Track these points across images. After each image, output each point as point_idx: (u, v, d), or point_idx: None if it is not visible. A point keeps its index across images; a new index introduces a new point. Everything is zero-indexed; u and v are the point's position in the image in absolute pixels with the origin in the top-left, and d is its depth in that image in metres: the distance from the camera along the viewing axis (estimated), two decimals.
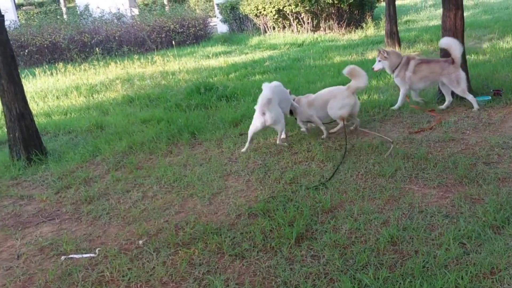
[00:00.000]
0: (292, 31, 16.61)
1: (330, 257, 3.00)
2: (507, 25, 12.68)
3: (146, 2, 29.53)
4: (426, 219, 3.36)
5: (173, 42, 16.47)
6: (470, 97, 5.88)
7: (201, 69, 11.16)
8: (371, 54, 10.90)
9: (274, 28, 17.06)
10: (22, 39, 16.06)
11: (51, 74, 12.04)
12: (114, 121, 6.92)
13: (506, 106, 5.79)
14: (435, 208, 3.50)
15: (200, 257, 3.17)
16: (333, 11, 16.09)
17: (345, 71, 5.37)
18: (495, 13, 16.55)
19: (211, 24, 20.58)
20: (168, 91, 8.45)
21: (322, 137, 5.36)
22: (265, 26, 17.32)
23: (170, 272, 3.02)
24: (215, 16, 22.21)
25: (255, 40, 16.23)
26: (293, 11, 16.02)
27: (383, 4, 17.59)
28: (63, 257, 3.35)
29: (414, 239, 3.11)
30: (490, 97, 6.07)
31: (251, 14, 17.44)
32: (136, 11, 22.92)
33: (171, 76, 10.39)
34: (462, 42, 6.20)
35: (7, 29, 5.48)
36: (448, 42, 5.93)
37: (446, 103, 6.00)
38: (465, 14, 6.37)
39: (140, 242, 3.45)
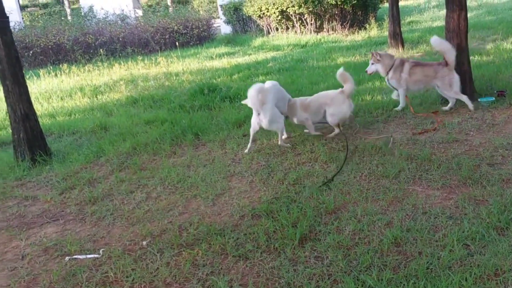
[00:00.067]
0: (296, 32, 16.62)
1: (334, 258, 3.00)
2: (510, 26, 12.64)
3: (150, 3, 29.62)
4: (430, 220, 3.35)
5: (177, 43, 16.50)
6: (464, 98, 5.90)
7: (205, 70, 11.18)
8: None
9: (277, 29, 17.07)
10: (27, 40, 16.14)
11: (56, 75, 12.09)
12: (118, 122, 6.94)
13: (510, 107, 5.78)
14: (439, 209, 3.49)
15: (203, 258, 3.18)
16: (336, 12, 16.09)
17: (338, 76, 5.40)
18: (498, 14, 16.50)
19: (214, 25, 20.63)
20: (171, 92, 8.47)
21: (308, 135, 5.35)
22: (269, 27, 17.33)
23: (174, 273, 3.03)
24: (218, 17, 22.24)
25: (258, 41, 16.24)
26: (297, 12, 16.02)
27: (386, 5, 17.60)
28: (67, 258, 3.36)
29: (418, 240, 3.10)
30: (494, 98, 6.05)
31: (254, 15, 17.46)
32: (140, 12, 22.98)
33: (174, 77, 10.41)
34: (466, 43, 6.20)
35: (12, 30, 5.51)
36: (441, 45, 5.97)
37: (450, 104, 5.99)
38: (468, 15, 6.36)
39: (144, 243, 3.46)
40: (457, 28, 6.10)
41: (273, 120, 5.09)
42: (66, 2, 28.81)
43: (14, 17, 19.29)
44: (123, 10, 20.09)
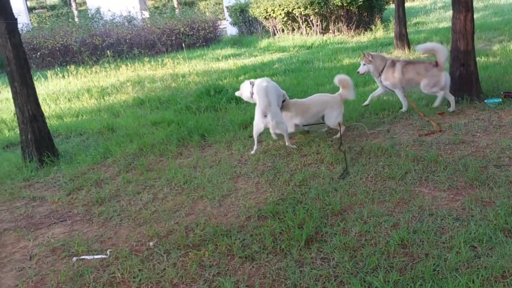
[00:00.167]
0: (301, 33, 16.63)
1: (340, 260, 3.00)
2: None
3: (156, 5, 29.72)
4: (437, 222, 3.34)
5: (183, 45, 16.56)
6: (439, 99, 6.05)
7: (211, 71, 11.20)
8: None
9: (283, 30, 17.08)
10: (35, 42, 16.27)
11: (63, 76, 12.17)
12: (125, 123, 6.98)
13: None
14: (446, 211, 3.48)
15: (210, 259, 3.19)
16: (342, 13, 16.09)
17: (339, 80, 5.54)
18: (505, 15, 16.43)
19: (220, 26, 20.68)
20: (178, 94, 8.50)
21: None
22: (274, 28, 17.35)
23: (181, 274, 3.04)
24: (224, 19, 22.29)
25: (264, 42, 16.27)
26: (302, 13, 16.03)
27: (392, 6, 17.57)
28: (74, 258, 3.38)
29: (425, 242, 3.10)
30: (500, 100, 6.03)
31: (260, 17, 17.48)
32: (146, 14, 23.07)
33: (181, 79, 10.44)
34: (472, 44, 6.19)
35: (20, 32, 5.55)
36: (432, 46, 6.05)
37: (451, 104, 5.99)
38: (475, 16, 6.34)
39: (151, 243, 3.48)
40: (464, 29, 6.09)
41: (279, 121, 5.10)
42: (73, 4, 28.98)
43: (22, 19, 19.40)
44: (129, 12, 20.19)
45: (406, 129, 5.53)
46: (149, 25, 18.56)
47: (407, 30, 11.56)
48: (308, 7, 15.77)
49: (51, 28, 17.65)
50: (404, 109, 6.14)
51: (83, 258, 3.37)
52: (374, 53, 6.26)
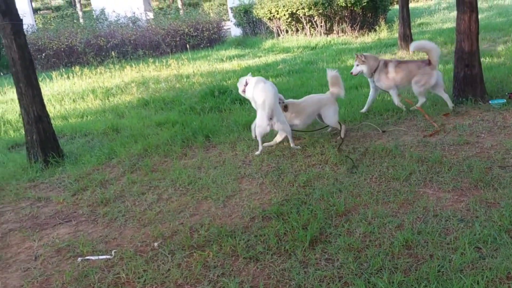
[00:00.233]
0: (305, 34, 16.63)
1: (344, 261, 3.00)
2: None
3: (160, 6, 29.80)
4: (441, 223, 3.34)
5: (188, 46, 16.61)
6: (423, 100, 6.11)
7: (215, 72, 11.22)
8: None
9: (287, 31, 17.09)
10: (40, 43, 16.35)
11: (68, 77, 12.22)
12: (130, 124, 7.00)
13: None
14: (450, 212, 3.48)
15: (214, 259, 3.20)
16: (346, 14, 16.09)
17: (330, 77, 5.65)
18: (509, 15, 16.38)
19: (225, 27, 20.71)
20: (182, 94, 8.52)
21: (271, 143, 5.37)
22: (278, 29, 17.36)
23: (185, 274, 3.05)
24: (228, 20, 22.32)
25: (268, 43, 16.28)
26: (306, 14, 16.04)
27: (396, 7, 17.53)
28: (79, 259, 3.39)
29: (429, 243, 3.10)
30: (505, 100, 6.01)
31: (264, 18, 17.50)
32: (151, 15, 23.12)
33: (185, 80, 10.46)
34: (477, 44, 6.18)
35: (25, 33, 5.57)
36: (425, 44, 6.12)
37: (448, 103, 6.05)
38: (479, 16, 6.33)
39: (156, 244, 3.49)
40: (468, 30, 6.07)
41: (284, 121, 5.11)
42: (78, 5, 29.10)
43: (27, 20, 19.52)
44: (134, 13, 20.24)
45: (410, 129, 5.52)
46: (153, 26, 18.62)
47: (411, 30, 11.57)
48: (312, 8, 15.77)
49: (56, 29, 17.73)
50: (403, 108, 6.19)
51: (88, 259, 3.39)
52: (367, 54, 6.29)
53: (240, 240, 3.37)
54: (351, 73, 6.36)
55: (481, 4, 19.25)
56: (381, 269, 2.88)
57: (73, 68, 13.15)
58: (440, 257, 2.92)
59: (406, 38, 11.19)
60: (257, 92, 5.15)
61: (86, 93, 9.85)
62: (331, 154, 4.90)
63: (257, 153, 5.18)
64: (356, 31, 16.14)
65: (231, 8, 20.23)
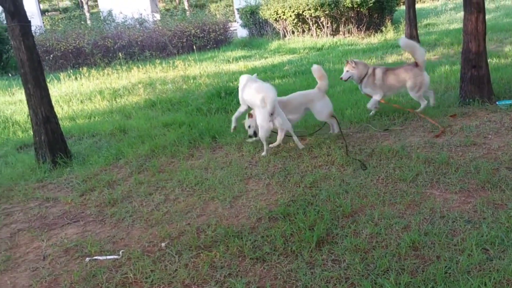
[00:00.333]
0: (312, 35, 16.63)
1: (351, 262, 3.00)
2: None
3: (167, 8, 29.90)
4: (448, 224, 3.33)
5: (194, 47, 16.66)
6: (425, 103, 6.11)
7: (222, 73, 11.25)
8: (390, 58, 10.84)
9: (293, 32, 17.10)
10: (47, 44, 16.45)
11: (75, 78, 12.30)
12: (137, 124, 7.03)
13: None
14: (457, 213, 3.47)
15: (221, 260, 3.21)
16: (352, 15, 16.07)
17: (313, 71, 5.64)
18: None
19: (231, 28, 20.75)
20: (189, 95, 8.55)
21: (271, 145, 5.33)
22: (285, 30, 17.37)
23: (192, 275, 3.06)
24: (235, 21, 22.38)
25: (274, 44, 16.29)
26: (313, 15, 16.04)
27: (403, 7, 17.49)
28: (87, 259, 3.42)
29: (436, 245, 3.09)
30: None
31: (270, 19, 17.52)
32: (157, 16, 23.23)
33: (192, 81, 10.50)
34: (484, 45, 6.15)
35: (33, 34, 5.62)
36: (410, 45, 6.14)
37: (431, 100, 6.22)
38: (486, 17, 6.30)
39: (163, 244, 3.50)
40: (475, 30, 6.05)
41: (283, 117, 5.12)
42: (85, 7, 29.26)
43: (35, 22, 19.67)
44: (141, 14, 20.34)
45: (417, 131, 5.51)
46: (160, 27, 18.69)
47: (418, 31, 11.53)
48: (319, 8, 15.77)
49: (63, 30, 17.84)
50: (372, 112, 6.26)
51: (96, 259, 3.41)
52: (357, 60, 6.32)
53: (247, 241, 3.38)
54: (341, 78, 6.38)
55: (488, 5, 19.17)
56: (388, 270, 2.88)
57: (80, 69, 13.22)
58: (447, 259, 2.91)
59: (413, 39, 11.13)
60: (251, 91, 5.20)
61: (94, 94, 9.91)
62: (337, 155, 4.90)
63: (264, 154, 5.19)
64: (363, 32, 16.13)
65: (238, 9, 20.28)
